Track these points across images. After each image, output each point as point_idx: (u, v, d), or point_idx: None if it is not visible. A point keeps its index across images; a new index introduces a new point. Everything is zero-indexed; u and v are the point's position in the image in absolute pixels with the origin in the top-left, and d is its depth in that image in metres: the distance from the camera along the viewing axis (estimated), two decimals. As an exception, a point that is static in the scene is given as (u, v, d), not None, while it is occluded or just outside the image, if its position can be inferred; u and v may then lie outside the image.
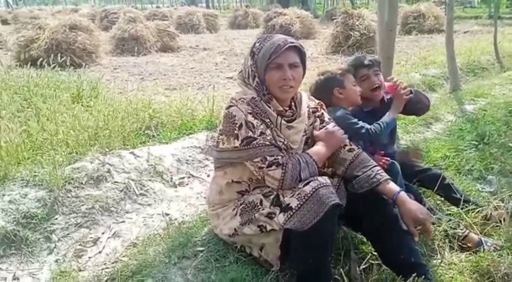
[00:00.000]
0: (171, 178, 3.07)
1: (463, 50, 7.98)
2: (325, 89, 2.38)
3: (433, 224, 2.22)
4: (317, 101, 2.07)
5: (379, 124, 2.34)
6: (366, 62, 2.49)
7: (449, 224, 2.24)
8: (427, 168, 2.67)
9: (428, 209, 2.31)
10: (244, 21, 20.22)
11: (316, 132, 1.95)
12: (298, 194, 1.65)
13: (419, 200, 2.28)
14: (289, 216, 1.64)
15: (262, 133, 1.74)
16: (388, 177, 1.82)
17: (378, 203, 1.80)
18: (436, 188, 2.42)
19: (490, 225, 2.31)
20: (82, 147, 2.98)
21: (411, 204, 1.74)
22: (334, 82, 2.38)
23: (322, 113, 2.02)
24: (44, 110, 3.46)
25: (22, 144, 2.88)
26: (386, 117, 2.38)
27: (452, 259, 2.06)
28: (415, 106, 2.54)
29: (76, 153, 2.91)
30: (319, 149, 1.87)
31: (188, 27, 16.71)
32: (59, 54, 7.27)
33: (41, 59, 6.12)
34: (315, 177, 1.70)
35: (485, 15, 20.58)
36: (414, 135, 3.79)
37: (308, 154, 1.80)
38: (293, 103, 1.91)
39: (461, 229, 2.24)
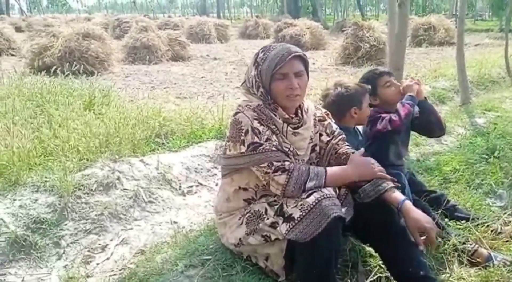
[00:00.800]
0: (180, 186, 3.08)
1: (473, 63, 7.95)
2: (343, 105, 2.31)
3: (442, 238, 2.21)
4: (323, 110, 2.07)
5: (406, 103, 2.41)
6: (386, 70, 2.59)
7: (458, 239, 2.22)
8: (431, 190, 2.66)
9: (437, 223, 2.30)
10: (255, 32, 20.39)
11: (353, 156, 1.88)
12: (301, 205, 1.64)
13: (428, 214, 2.27)
14: (291, 226, 1.64)
15: (268, 139, 1.75)
16: (393, 185, 1.81)
17: (386, 214, 1.79)
18: (441, 209, 2.41)
19: (500, 240, 2.29)
20: (92, 153, 3.01)
21: (416, 213, 1.72)
22: (354, 102, 2.31)
23: (329, 122, 2.02)
24: (56, 117, 3.51)
25: (34, 149, 2.92)
26: (406, 98, 2.45)
27: (461, 274, 2.04)
28: (429, 117, 2.54)
29: (87, 160, 2.94)
30: (342, 170, 1.83)
31: (199, 36, 16.88)
32: (72, 62, 7.39)
33: (54, 66, 6.24)
34: (319, 188, 1.68)
35: (496, 28, 20.54)
36: (424, 148, 3.77)
37: (325, 169, 1.78)
38: (299, 111, 1.92)
39: (470, 244, 2.22)
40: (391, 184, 1.81)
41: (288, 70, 1.78)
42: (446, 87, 6.29)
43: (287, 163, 1.74)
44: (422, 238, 1.72)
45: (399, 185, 2.03)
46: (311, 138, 1.94)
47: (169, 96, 5.79)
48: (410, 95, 2.45)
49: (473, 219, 2.39)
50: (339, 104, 2.32)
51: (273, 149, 1.74)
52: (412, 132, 2.75)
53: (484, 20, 35.11)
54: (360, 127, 2.55)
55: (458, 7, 6.39)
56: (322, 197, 1.63)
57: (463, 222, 2.42)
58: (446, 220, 2.38)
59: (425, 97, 2.55)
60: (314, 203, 1.62)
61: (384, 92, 2.48)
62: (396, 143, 2.55)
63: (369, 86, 2.43)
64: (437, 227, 2.24)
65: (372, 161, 1.86)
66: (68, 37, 8.47)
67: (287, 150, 1.81)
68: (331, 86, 2.42)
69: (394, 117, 2.37)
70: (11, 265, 2.19)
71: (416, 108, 2.50)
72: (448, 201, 2.49)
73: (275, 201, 1.77)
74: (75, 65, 6.44)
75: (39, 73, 5.66)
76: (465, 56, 5.83)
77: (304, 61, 1.84)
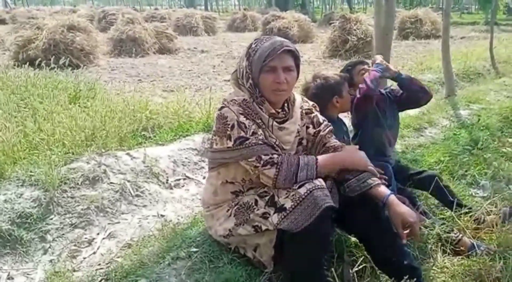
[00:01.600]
0: (167, 180, 3.08)
1: (459, 55, 8.04)
2: (325, 96, 2.35)
3: (426, 227, 2.25)
4: (311, 102, 2.08)
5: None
6: (359, 60, 2.72)
7: (442, 228, 2.26)
8: (421, 170, 2.70)
9: (421, 212, 2.34)
10: (243, 24, 20.31)
11: (350, 147, 1.94)
12: (292, 195, 1.66)
13: (413, 203, 2.31)
14: (283, 216, 1.66)
15: (254, 133, 1.75)
16: (379, 181, 1.83)
17: (370, 205, 1.81)
18: (431, 189, 2.45)
19: (483, 230, 2.33)
20: (78, 147, 2.98)
21: (400, 207, 1.75)
22: (334, 91, 2.37)
23: (316, 115, 2.03)
24: (41, 110, 3.48)
25: (18, 143, 2.89)
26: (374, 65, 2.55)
27: (445, 263, 2.08)
28: (410, 87, 2.60)
29: (73, 153, 2.91)
30: (333, 157, 1.86)
31: (186, 29, 16.75)
32: (57, 55, 7.29)
33: (39, 59, 6.15)
34: (310, 179, 1.71)
35: (482, 21, 20.74)
36: (409, 140, 3.81)
37: (315, 157, 1.80)
38: (286, 104, 1.92)
39: (455, 233, 2.26)
40: (377, 181, 1.82)
41: (277, 63, 1.78)
42: (432, 80, 6.36)
43: (275, 156, 1.75)
44: (406, 231, 1.74)
45: (386, 179, 2.07)
46: (298, 132, 1.94)
47: (156, 89, 5.76)
48: (376, 63, 2.55)
49: (458, 204, 2.43)
50: (321, 95, 2.34)
51: (260, 142, 1.75)
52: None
53: (470, 13, 35.41)
54: (345, 119, 2.59)
55: (445, 1, 6.43)
56: (314, 188, 1.65)
57: (447, 213, 2.47)
58: (432, 207, 2.42)
59: (398, 71, 2.62)
60: (306, 194, 1.64)
61: (346, 97, 2.45)
62: (381, 125, 2.58)
63: (347, 74, 2.52)
64: (422, 215, 2.29)
65: (365, 155, 1.89)
66: (53, 29, 8.36)
67: (273, 144, 1.82)
68: (310, 80, 2.44)
69: (361, 85, 2.46)
70: (-4, 259, 2.18)
71: (397, 88, 2.67)
72: (440, 180, 2.52)
73: (265, 191, 1.79)
74: (60, 58, 6.36)
75: (23, 66, 5.57)
76: (450, 49, 5.89)
77: (295, 57, 1.84)
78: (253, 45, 1.84)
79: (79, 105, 3.84)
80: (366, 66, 2.62)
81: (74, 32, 8.53)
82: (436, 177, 2.52)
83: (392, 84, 2.90)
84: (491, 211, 2.46)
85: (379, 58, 2.62)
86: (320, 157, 1.82)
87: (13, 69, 5.74)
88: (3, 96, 3.77)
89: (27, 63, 5.93)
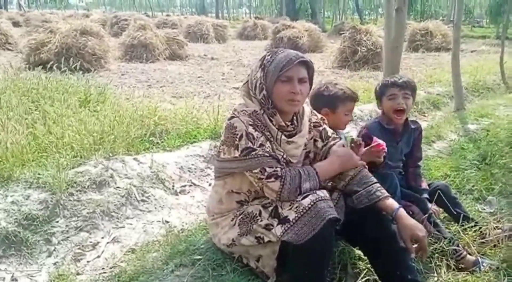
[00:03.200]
0: (173, 186, 3.09)
1: (469, 69, 8.01)
2: (316, 103, 2.32)
3: (434, 243, 2.23)
4: (319, 115, 2.09)
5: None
6: (400, 82, 2.44)
7: (448, 243, 2.24)
8: (429, 182, 2.69)
9: (434, 223, 2.33)
10: (253, 33, 20.41)
11: (335, 148, 1.95)
12: (296, 207, 1.67)
13: (423, 210, 2.30)
14: (286, 228, 1.66)
15: (261, 145, 1.76)
16: (387, 194, 1.83)
17: (377, 218, 1.82)
18: (438, 201, 2.42)
19: (488, 246, 2.31)
20: (86, 151, 3.01)
21: (410, 221, 1.75)
22: (328, 103, 2.30)
23: (325, 128, 2.04)
24: (51, 113, 3.51)
25: (27, 145, 2.92)
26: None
27: (449, 278, 2.06)
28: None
29: (81, 157, 2.94)
30: (328, 164, 1.89)
31: (197, 36, 16.88)
32: (68, 58, 7.37)
33: (51, 62, 6.20)
34: (314, 191, 1.71)
35: (493, 35, 20.66)
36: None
37: (313, 167, 1.82)
38: (295, 117, 1.93)
39: (459, 249, 2.24)
40: (385, 193, 1.83)
41: (293, 74, 1.79)
42: (441, 93, 6.34)
43: (279, 169, 1.75)
44: (414, 246, 1.74)
45: (389, 187, 2.07)
46: (305, 145, 1.95)
47: (165, 95, 5.80)
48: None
49: (464, 217, 2.41)
50: (314, 101, 2.35)
51: (266, 154, 1.76)
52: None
53: (482, 26, 35.28)
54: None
55: (455, 14, 6.43)
56: (318, 199, 1.66)
57: (452, 227, 2.45)
58: (438, 221, 2.39)
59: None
60: (309, 205, 1.65)
61: (339, 116, 2.35)
62: (393, 145, 2.54)
63: (356, 96, 2.42)
64: (431, 224, 2.27)
65: (351, 151, 1.94)
66: (66, 33, 8.45)
67: (280, 157, 1.82)
68: (322, 84, 2.42)
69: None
70: (1, 261, 2.19)
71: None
72: (448, 192, 2.50)
73: (269, 203, 1.79)
74: (72, 62, 6.43)
75: (35, 68, 5.65)
76: (460, 63, 5.87)
77: (309, 69, 1.86)
78: (267, 57, 1.85)
79: (89, 109, 3.87)
80: (399, 93, 2.43)
81: (87, 36, 8.62)
82: (444, 188, 2.50)
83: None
84: (497, 226, 2.44)
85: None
86: (316, 166, 1.84)
87: (25, 72, 5.82)
88: (15, 98, 3.82)
89: (39, 66, 6.02)
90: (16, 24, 20.58)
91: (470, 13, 37.70)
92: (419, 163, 2.68)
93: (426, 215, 2.28)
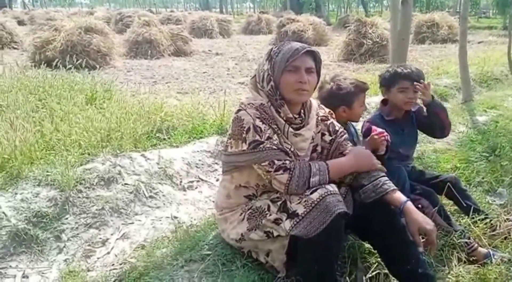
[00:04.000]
0: (181, 181, 3.09)
1: (476, 60, 7.93)
2: (332, 103, 2.28)
3: (445, 236, 2.21)
4: (327, 109, 2.07)
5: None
6: (413, 75, 2.43)
7: (459, 236, 2.22)
8: (438, 174, 2.67)
9: (444, 215, 2.31)
10: (257, 27, 20.37)
11: (355, 148, 1.94)
12: (305, 201, 1.66)
13: (433, 203, 2.29)
14: (295, 222, 1.65)
15: (269, 137, 1.76)
16: (394, 187, 1.82)
17: (386, 212, 1.80)
18: (448, 192, 2.40)
19: (499, 238, 2.30)
20: (94, 148, 3.02)
21: (418, 214, 1.74)
22: (343, 101, 2.29)
23: (332, 122, 2.02)
24: (58, 111, 3.52)
25: (35, 143, 2.93)
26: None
27: (460, 271, 2.05)
28: (433, 119, 2.50)
29: (88, 154, 2.95)
30: (343, 162, 1.86)
31: (201, 31, 16.89)
32: (74, 56, 7.39)
33: (56, 60, 6.23)
34: (323, 185, 1.70)
35: (500, 26, 20.46)
36: (425, 145, 3.77)
37: (326, 162, 1.81)
38: (302, 110, 1.92)
39: (471, 241, 2.23)
40: (392, 187, 1.82)
41: (300, 64, 1.79)
42: (448, 85, 6.28)
43: (288, 161, 1.75)
44: (423, 239, 1.73)
45: (398, 181, 2.05)
46: (313, 139, 1.94)
47: (171, 91, 5.80)
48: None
49: (474, 210, 2.39)
50: (329, 101, 2.29)
51: (274, 147, 1.75)
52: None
53: (488, 17, 34.98)
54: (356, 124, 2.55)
55: (462, 5, 6.36)
56: (326, 194, 1.65)
57: (463, 220, 2.44)
58: (448, 214, 2.38)
59: (432, 97, 2.46)
60: (318, 199, 1.64)
61: (356, 110, 2.34)
62: (395, 147, 2.51)
63: (367, 86, 2.40)
64: (441, 217, 2.26)
65: (371, 153, 1.91)
66: (70, 31, 8.48)
67: (287, 150, 1.82)
68: (328, 79, 2.39)
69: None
70: (12, 258, 2.21)
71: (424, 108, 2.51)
72: (457, 184, 2.47)
73: (277, 197, 1.79)
74: (77, 59, 6.44)
75: (40, 66, 5.67)
76: (468, 54, 5.81)
77: (316, 60, 1.85)
78: (274, 49, 1.86)
79: (95, 107, 3.88)
80: (411, 86, 2.42)
81: (91, 34, 8.64)
82: (453, 180, 2.48)
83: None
84: (508, 219, 2.42)
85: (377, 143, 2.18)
86: (330, 162, 1.82)
87: (30, 70, 5.84)
88: (21, 96, 3.83)
89: (45, 64, 6.03)
90: (21, 22, 20.68)
91: (476, 4, 37.33)
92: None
93: (436, 208, 2.27)
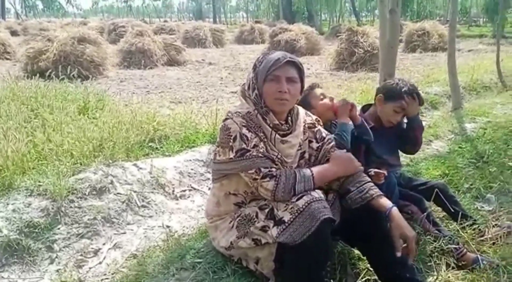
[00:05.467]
0: (173, 190, 3.11)
1: (466, 68, 8.04)
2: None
3: (434, 241, 2.24)
4: (314, 117, 2.11)
5: (339, 134, 2.27)
6: (414, 95, 2.49)
7: (447, 241, 2.25)
8: (426, 180, 2.71)
9: (433, 221, 2.34)
10: (250, 37, 20.53)
11: (335, 153, 1.97)
12: (291, 208, 1.68)
13: (421, 209, 2.33)
14: (281, 229, 1.67)
15: (255, 145, 1.79)
16: (380, 192, 1.85)
17: (373, 217, 1.83)
18: (437, 198, 2.44)
19: (487, 244, 2.33)
20: (86, 158, 3.03)
21: (402, 221, 1.77)
22: (305, 106, 2.28)
23: (319, 129, 2.06)
24: (50, 121, 3.53)
25: (28, 153, 2.94)
26: (340, 126, 2.33)
27: (448, 277, 2.07)
28: (414, 133, 2.58)
29: (80, 164, 2.96)
30: (326, 168, 1.89)
31: (195, 41, 16.97)
32: (67, 66, 7.39)
33: (49, 70, 6.25)
34: (308, 191, 1.73)
35: (490, 34, 20.71)
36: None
37: (310, 169, 1.84)
38: (289, 117, 1.96)
39: (459, 247, 2.26)
40: (378, 191, 1.85)
41: (281, 73, 1.82)
42: (438, 93, 6.36)
43: (274, 169, 1.78)
44: (403, 245, 1.75)
45: (387, 187, 2.08)
46: (300, 146, 1.97)
47: (164, 100, 5.83)
48: (342, 123, 2.33)
49: (463, 215, 2.43)
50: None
51: (260, 155, 1.78)
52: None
53: (479, 25, 35.39)
54: None
55: (450, 14, 6.47)
56: (312, 200, 1.67)
57: (451, 225, 2.47)
58: (437, 220, 2.41)
59: (361, 120, 2.42)
60: (304, 206, 1.66)
61: (318, 105, 2.41)
62: (384, 142, 2.56)
63: (315, 84, 2.52)
64: (429, 223, 2.29)
65: (352, 156, 1.94)
66: (63, 41, 8.51)
67: (274, 157, 1.85)
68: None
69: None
70: (4, 269, 2.21)
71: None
72: (445, 191, 2.51)
73: (265, 204, 1.81)
74: (70, 70, 6.45)
75: (33, 77, 5.67)
76: (457, 62, 5.90)
77: (299, 70, 1.89)
78: (259, 58, 1.91)
79: (87, 117, 3.90)
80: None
81: (84, 44, 8.68)
82: (442, 187, 2.52)
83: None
84: (496, 224, 2.45)
85: (345, 110, 2.35)
86: (314, 169, 1.85)
87: (23, 80, 5.85)
88: (14, 107, 3.84)
89: (38, 75, 6.04)
90: (14, 33, 20.68)
91: (466, 12, 37.82)
92: None
93: (425, 214, 2.31)
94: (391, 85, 2.56)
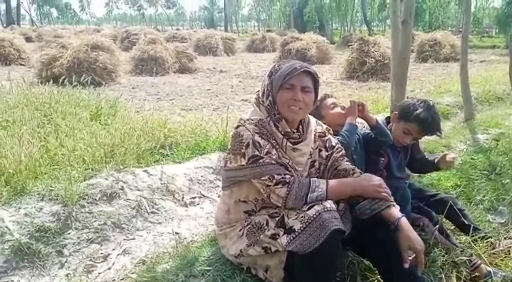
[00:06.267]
0: (183, 197, 3.11)
1: (478, 79, 7.98)
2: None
3: (446, 253, 2.21)
4: (324, 126, 2.11)
5: (342, 134, 2.28)
6: (426, 129, 2.40)
7: (458, 254, 2.22)
8: (437, 192, 2.68)
9: (445, 234, 2.32)
10: (261, 45, 20.60)
11: (364, 174, 1.93)
12: (302, 217, 1.68)
13: (432, 221, 2.30)
14: (291, 238, 1.67)
15: (268, 152, 1.79)
16: (389, 203, 1.82)
17: (384, 228, 1.81)
18: (446, 212, 2.41)
19: (500, 257, 2.29)
20: (98, 163, 3.05)
21: (411, 232, 1.75)
22: (316, 116, 2.29)
23: (329, 138, 2.06)
24: (63, 127, 3.57)
25: (40, 158, 2.97)
26: (345, 126, 2.34)
27: (459, 289, 2.05)
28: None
29: (92, 170, 2.98)
30: (343, 183, 1.87)
31: (206, 49, 17.09)
32: (80, 73, 7.51)
33: (62, 77, 6.32)
34: (320, 201, 1.72)
35: (503, 45, 20.58)
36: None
37: (326, 181, 1.82)
38: (300, 126, 1.97)
39: (473, 258, 2.23)
40: (387, 203, 1.82)
41: (296, 82, 1.84)
42: (450, 103, 6.32)
43: (287, 176, 1.78)
44: (411, 257, 1.73)
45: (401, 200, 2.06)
46: (310, 154, 1.97)
47: (175, 108, 5.87)
48: (347, 123, 2.34)
49: (474, 228, 2.39)
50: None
51: (273, 162, 1.78)
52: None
53: (491, 36, 35.19)
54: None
55: (463, 25, 6.44)
56: (323, 210, 1.66)
57: (462, 238, 2.44)
58: (448, 232, 2.38)
59: (376, 121, 2.43)
60: (314, 216, 1.65)
61: (328, 114, 2.42)
62: (396, 157, 2.56)
63: (326, 95, 2.52)
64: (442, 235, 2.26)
65: (380, 181, 1.87)
66: (77, 48, 8.62)
67: (286, 164, 1.85)
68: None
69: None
70: (14, 272, 2.22)
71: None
72: (456, 204, 2.47)
73: (276, 212, 1.81)
74: (83, 76, 6.53)
75: (47, 83, 5.75)
76: (470, 73, 5.85)
77: (314, 80, 1.90)
78: (275, 66, 1.93)
79: (100, 123, 3.94)
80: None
81: (98, 51, 8.79)
82: (452, 200, 2.49)
83: None
84: (508, 237, 2.42)
85: (353, 110, 2.37)
86: (331, 181, 1.83)
87: (37, 86, 5.93)
88: (28, 112, 3.89)
89: (51, 81, 6.13)
90: (28, 39, 21.01)
91: (479, 23, 37.60)
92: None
93: (437, 226, 2.28)
94: (407, 105, 2.46)
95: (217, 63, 13.40)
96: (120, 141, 3.40)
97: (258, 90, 1.99)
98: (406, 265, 1.73)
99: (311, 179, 1.82)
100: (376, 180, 1.86)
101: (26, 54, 12.80)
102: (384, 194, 1.81)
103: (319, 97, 2.37)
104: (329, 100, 2.50)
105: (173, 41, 15.58)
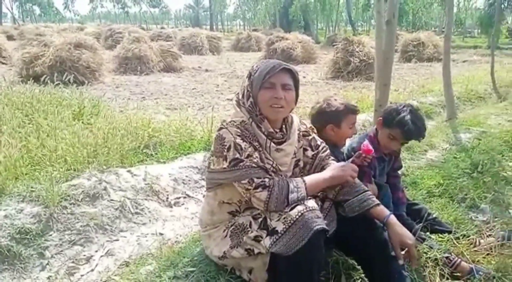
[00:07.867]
0: (167, 198, 3.09)
1: (460, 79, 8.10)
2: (321, 120, 2.34)
3: (425, 252, 2.24)
4: (308, 125, 2.11)
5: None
6: (412, 136, 2.34)
7: (440, 251, 2.25)
8: (413, 202, 2.69)
9: (418, 238, 2.33)
10: (247, 44, 20.61)
11: (332, 162, 1.96)
12: (284, 218, 1.67)
13: (409, 226, 2.31)
14: (275, 239, 1.66)
15: (249, 155, 1.77)
16: (378, 201, 1.86)
17: (369, 226, 1.83)
18: (422, 222, 2.42)
19: (482, 254, 2.33)
20: (80, 164, 3.01)
21: (400, 228, 1.78)
22: (331, 119, 2.31)
23: (314, 137, 2.06)
24: (44, 126, 3.51)
25: (21, 159, 2.91)
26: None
27: (442, 287, 2.07)
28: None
29: (74, 170, 2.94)
30: (318, 176, 1.89)
31: (191, 48, 17.00)
32: (62, 71, 7.39)
33: (44, 76, 6.23)
34: (302, 201, 1.72)
35: (485, 45, 20.92)
36: (409, 162, 3.82)
37: (302, 178, 1.83)
38: (284, 126, 1.96)
39: (453, 257, 2.25)
40: (376, 201, 1.85)
41: (276, 80, 1.83)
42: (433, 103, 6.40)
43: (267, 179, 1.76)
44: (403, 252, 1.75)
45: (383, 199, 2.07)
46: (295, 154, 1.96)
47: (159, 107, 5.82)
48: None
49: (454, 232, 2.43)
50: (319, 118, 2.36)
51: (254, 165, 1.76)
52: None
53: (473, 37, 35.73)
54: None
55: (446, 25, 6.52)
56: (305, 210, 1.66)
57: (445, 235, 2.46)
58: (428, 233, 2.40)
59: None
60: (297, 216, 1.65)
61: (345, 130, 2.35)
62: (382, 166, 2.55)
63: (356, 108, 2.40)
64: (419, 239, 2.28)
65: (348, 164, 1.93)
66: (60, 46, 8.49)
67: (269, 166, 1.83)
68: (321, 100, 2.44)
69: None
70: (-6, 275, 2.18)
71: None
72: (430, 214, 2.51)
73: (259, 214, 1.79)
74: (66, 75, 6.45)
75: (28, 82, 5.66)
76: (452, 73, 5.93)
77: (294, 77, 1.89)
78: (254, 66, 1.91)
79: (82, 122, 3.88)
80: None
81: (81, 49, 8.66)
82: (424, 211, 2.52)
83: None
84: (490, 234, 2.45)
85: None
86: (307, 178, 1.84)
87: (18, 85, 5.82)
88: (8, 112, 3.82)
89: (33, 80, 6.02)
90: (10, 37, 20.61)
91: (461, 23, 38.17)
92: (399, 172, 2.69)
93: (420, 225, 2.30)
94: (391, 109, 2.40)
95: (202, 62, 13.34)
96: (103, 140, 3.35)
97: (238, 92, 1.96)
98: (401, 262, 1.75)
99: (288, 179, 1.81)
100: (341, 164, 1.93)
101: (7, 53, 12.55)
102: (354, 174, 1.88)
103: (348, 105, 2.34)
104: (354, 118, 2.39)
105: (158, 39, 15.43)
